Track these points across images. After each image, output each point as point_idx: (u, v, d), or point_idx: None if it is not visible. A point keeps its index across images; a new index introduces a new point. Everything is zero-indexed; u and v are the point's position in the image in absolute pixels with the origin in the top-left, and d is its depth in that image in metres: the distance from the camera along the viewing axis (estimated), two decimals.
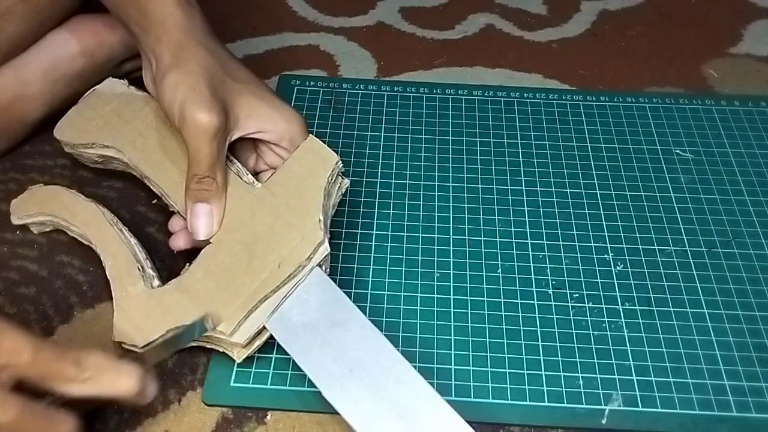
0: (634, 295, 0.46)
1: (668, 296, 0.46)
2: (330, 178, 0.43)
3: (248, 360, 0.42)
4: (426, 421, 0.37)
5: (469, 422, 0.40)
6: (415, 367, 0.42)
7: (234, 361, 0.41)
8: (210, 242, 0.42)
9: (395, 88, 0.60)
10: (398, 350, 0.39)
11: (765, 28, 0.68)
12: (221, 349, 0.41)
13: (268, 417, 0.40)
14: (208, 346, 0.41)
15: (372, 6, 0.70)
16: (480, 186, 0.52)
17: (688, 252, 0.48)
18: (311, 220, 0.42)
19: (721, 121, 0.58)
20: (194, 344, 0.41)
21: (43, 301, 0.45)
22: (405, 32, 0.67)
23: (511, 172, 0.53)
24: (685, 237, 0.49)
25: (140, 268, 0.43)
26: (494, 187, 0.52)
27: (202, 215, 0.42)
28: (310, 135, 0.45)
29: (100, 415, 0.40)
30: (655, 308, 0.45)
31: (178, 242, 0.44)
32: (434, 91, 0.60)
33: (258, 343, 0.40)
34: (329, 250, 0.42)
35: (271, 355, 0.42)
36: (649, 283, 0.46)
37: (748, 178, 0.53)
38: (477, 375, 0.42)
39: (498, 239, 0.48)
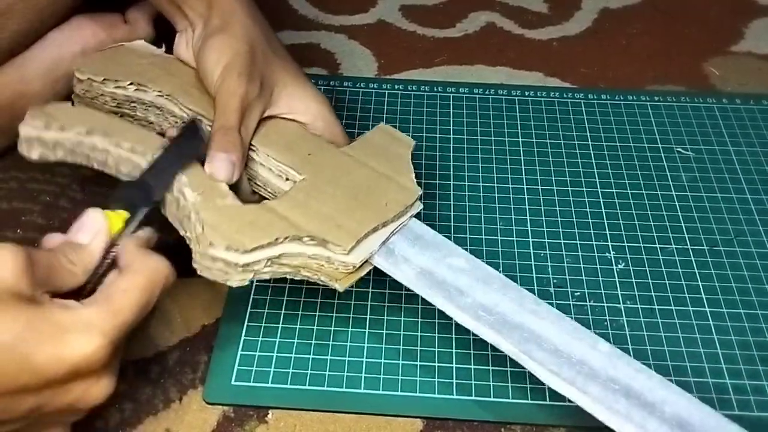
0: (636, 293, 0.46)
1: (670, 294, 0.46)
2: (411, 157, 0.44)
3: (249, 358, 0.42)
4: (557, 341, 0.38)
5: (471, 421, 0.40)
6: (415, 366, 0.42)
7: (235, 359, 0.41)
8: (303, 179, 0.41)
9: (396, 87, 0.60)
10: (398, 347, 0.39)
11: (766, 26, 0.68)
12: (321, 279, 0.39)
13: (270, 415, 0.40)
14: (302, 277, 0.39)
15: (373, 4, 0.70)
16: (481, 184, 0.52)
17: (690, 250, 0.48)
18: (406, 176, 0.43)
19: (722, 119, 0.58)
20: (289, 275, 0.39)
21: None
22: (406, 30, 0.67)
23: (512, 170, 0.53)
24: (686, 235, 0.49)
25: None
26: (495, 185, 0.52)
27: (224, 161, 0.41)
28: (381, 123, 0.47)
29: (101, 414, 0.40)
30: (656, 306, 0.45)
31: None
32: (435, 90, 0.60)
33: (357, 276, 0.39)
34: (422, 206, 0.42)
35: (272, 354, 0.42)
36: (650, 281, 0.46)
37: (749, 176, 0.53)
38: (478, 373, 0.42)
39: (499, 237, 0.48)
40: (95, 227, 0.35)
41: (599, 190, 0.52)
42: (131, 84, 0.45)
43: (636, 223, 0.50)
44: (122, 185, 0.39)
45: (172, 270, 0.35)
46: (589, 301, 0.45)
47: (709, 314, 0.45)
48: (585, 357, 0.37)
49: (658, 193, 0.52)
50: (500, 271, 0.46)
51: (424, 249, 0.41)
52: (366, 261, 0.40)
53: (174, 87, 0.45)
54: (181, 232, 0.40)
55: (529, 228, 0.49)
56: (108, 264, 0.35)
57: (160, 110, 0.46)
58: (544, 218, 0.50)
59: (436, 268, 0.40)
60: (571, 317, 0.44)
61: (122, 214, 0.37)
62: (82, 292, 0.34)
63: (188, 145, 0.41)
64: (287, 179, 0.42)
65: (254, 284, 0.45)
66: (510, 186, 0.52)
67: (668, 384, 0.36)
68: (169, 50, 0.49)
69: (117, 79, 0.46)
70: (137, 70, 0.47)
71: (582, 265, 0.47)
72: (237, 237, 0.37)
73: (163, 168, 0.39)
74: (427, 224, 0.48)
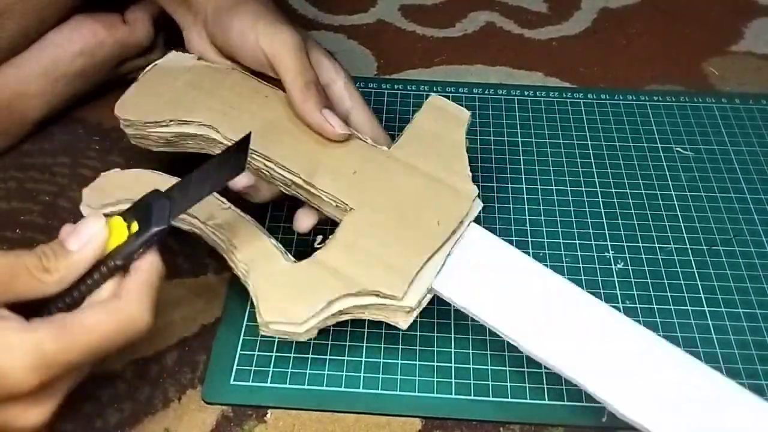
0: (635, 292, 0.46)
1: (668, 294, 0.45)
2: (466, 135, 0.43)
3: (248, 358, 0.42)
4: (647, 361, 0.36)
5: (469, 420, 0.40)
6: (414, 366, 0.42)
7: (234, 359, 0.41)
8: (351, 209, 0.40)
9: (395, 86, 0.60)
10: (397, 346, 0.39)
11: (766, 25, 0.68)
12: (383, 318, 0.38)
13: (268, 415, 0.40)
14: (367, 317, 0.38)
15: (372, 4, 0.70)
16: (481, 184, 0.51)
17: (689, 250, 0.48)
18: (459, 174, 0.41)
19: (721, 119, 0.57)
20: (349, 316, 0.38)
21: None
22: (405, 30, 0.67)
23: (511, 170, 0.53)
24: (685, 235, 0.49)
25: (274, 245, 0.39)
26: (494, 185, 0.52)
27: (332, 116, 0.41)
28: (433, 94, 0.45)
29: (101, 414, 0.40)
30: (655, 306, 0.45)
31: (303, 222, 0.43)
32: (434, 89, 0.60)
33: (419, 309, 0.38)
34: (482, 205, 0.41)
35: (271, 354, 0.42)
36: (649, 280, 0.46)
37: (748, 176, 0.53)
38: (477, 373, 0.42)
39: (499, 237, 0.48)
40: (88, 234, 0.33)
41: (598, 189, 0.52)
42: (171, 121, 0.43)
43: (635, 222, 0.50)
44: (147, 195, 0.35)
45: (149, 324, 0.32)
46: None
47: (707, 314, 0.45)
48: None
49: (658, 192, 0.52)
50: None
51: (487, 265, 0.39)
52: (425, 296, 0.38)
53: (213, 113, 0.43)
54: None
55: (528, 228, 0.49)
56: (103, 275, 0.33)
57: (205, 139, 0.44)
58: (543, 218, 0.50)
59: (504, 289, 0.38)
60: None
61: (132, 225, 0.33)
62: (65, 302, 0.33)
63: (229, 164, 0.36)
64: (336, 205, 0.41)
65: None
66: (509, 186, 0.52)
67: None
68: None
69: (156, 120, 0.43)
70: (174, 96, 0.44)
71: (581, 265, 0.47)
72: (290, 309, 0.36)
73: (193, 186, 0.35)
74: None
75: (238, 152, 0.35)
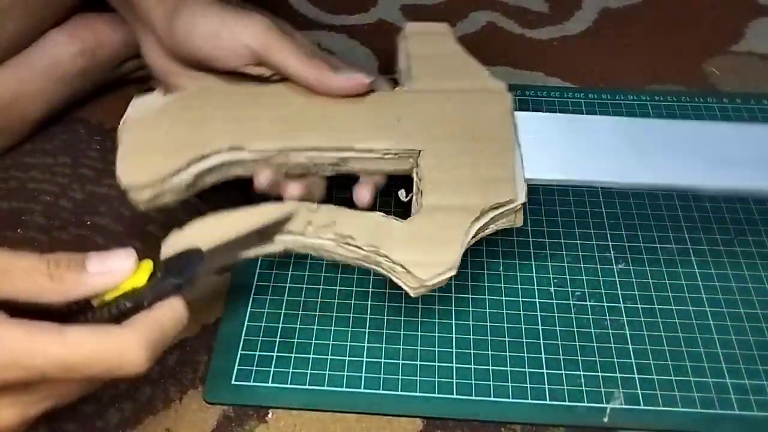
0: (636, 293, 0.45)
1: (670, 294, 0.45)
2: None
3: (249, 358, 0.42)
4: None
5: (470, 421, 0.40)
6: (415, 366, 0.42)
7: (235, 359, 0.41)
8: (420, 151, 0.40)
9: (395, 86, 0.60)
10: (398, 346, 0.39)
11: (766, 26, 0.68)
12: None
13: (270, 415, 0.40)
14: (489, 234, 0.40)
15: (373, 3, 0.70)
16: None
17: (690, 250, 0.48)
18: (481, 76, 0.43)
19: (722, 119, 0.57)
20: (476, 239, 0.39)
21: None
22: None
23: None
24: (687, 234, 0.49)
25: (378, 214, 0.39)
26: None
27: (349, 71, 0.41)
28: (408, 26, 0.47)
29: (102, 414, 0.40)
30: (656, 306, 0.45)
31: (364, 196, 0.42)
32: None
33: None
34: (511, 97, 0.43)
35: (272, 354, 0.42)
36: (650, 281, 0.46)
37: None
38: (478, 373, 0.42)
39: (499, 237, 0.48)
40: (113, 266, 0.31)
41: (599, 189, 0.52)
42: (190, 163, 0.39)
43: (636, 222, 0.49)
44: (186, 250, 0.34)
45: (141, 367, 0.30)
46: (589, 301, 0.45)
47: (709, 314, 0.44)
48: None
49: (659, 192, 0.52)
50: (500, 271, 0.46)
51: (554, 138, 0.41)
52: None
53: (227, 135, 0.40)
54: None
55: (529, 228, 0.49)
56: (110, 312, 0.31)
57: (229, 165, 0.40)
58: (543, 218, 0.50)
59: (586, 148, 0.41)
60: (571, 317, 0.44)
61: (156, 273, 0.32)
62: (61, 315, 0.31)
63: (266, 235, 0.37)
64: (400, 157, 0.41)
65: (254, 284, 0.45)
66: None
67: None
68: None
69: (176, 169, 0.39)
70: (174, 140, 0.40)
71: (582, 265, 0.47)
72: (444, 258, 0.37)
73: (232, 246, 0.35)
74: None
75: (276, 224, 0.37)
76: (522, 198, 0.39)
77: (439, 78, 0.42)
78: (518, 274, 0.46)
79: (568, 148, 0.41)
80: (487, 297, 0.45)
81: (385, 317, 0.44)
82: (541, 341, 0.43)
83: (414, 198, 0.40)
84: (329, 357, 0.42)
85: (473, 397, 0.41)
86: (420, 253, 0.37)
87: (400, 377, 0.41)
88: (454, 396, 0.41)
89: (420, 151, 0.40)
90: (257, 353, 0.42)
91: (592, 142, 0.41)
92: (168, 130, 0.40)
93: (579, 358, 0.42)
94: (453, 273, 0.37)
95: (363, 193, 0.43)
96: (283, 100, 0.42)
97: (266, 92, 0.43)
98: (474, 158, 0.40)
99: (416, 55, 0.43)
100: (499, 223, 0.40)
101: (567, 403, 0.40)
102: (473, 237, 0.38)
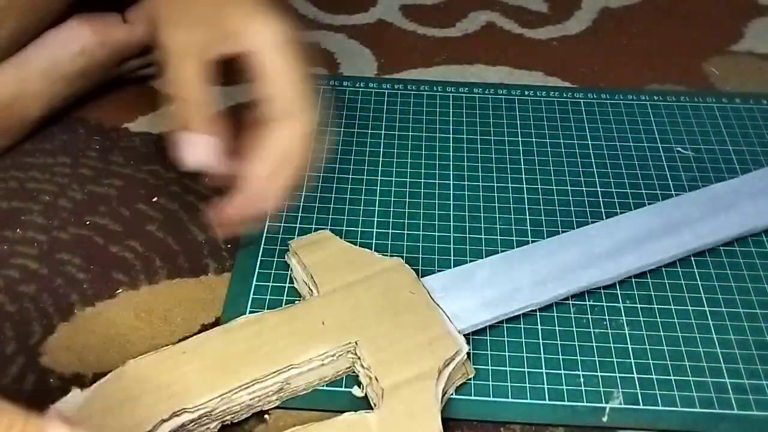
0: (635, 292, 0.45)
1: (669, 294, 0.45)
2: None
3: None
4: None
5: (470, 420, 0.40)
6: None
7: None
8: (356, 342, 0.40)
9: (396, 86, 0.60)
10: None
11: (766, 25, 0.68)
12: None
13: (269, 415, 0.40)
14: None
15: (373, 3, 0.70)
16: (481, 184, 0.52)
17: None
18: (372, 255, 0.45)
19: (722, 119, 0.57)
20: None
21: (44, 299, 0.45)
22: (405, 30, 0.67)
23: (512, 170, 0.53)
24: None
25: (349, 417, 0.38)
26: (495, 185, 0.52)
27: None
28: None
29: None
30: (656, 306, 0.45)
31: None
32: (435, 89, 0.60)
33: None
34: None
35: None
36: (650, 280, 0.46)
37: None
38: (478, 373, 0.42)
39: (499, 237, 0.48)
40: None
41: (599, 189, 0.52)
42: (162, 420, 0.36)
43: None
44: None
45: None
46: (589, 301, 0.45)
47: (708, 314, 0.44)
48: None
49: (658, 192, 0.52)
50: None
51: (465, 286, 0.44)
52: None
53: (166, 399, 0.37)
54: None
55: (528, 228, 0.49)
56: None
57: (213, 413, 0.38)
58: (543, 218, 0.50)
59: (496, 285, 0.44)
60: (571, 317, 0.44)
61: None
62: None
63: None
64: (340, 355, 0.40)
65: (254, 284, 0.45)
66: (510, 185, 0.52)
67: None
68: None
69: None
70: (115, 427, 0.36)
71: None
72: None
73: None
74: (428, 223, 0.49)
75: None
76: (466, 347, 0.40)
77: (342, 275, 0.43)
78: None
79: (481, 292, 0.43)
80: None
81: None
82: (541, 341, 0.43)
83: (369, 388, 0.40)
84: None
85: (473, 397, 0.41)
86: None
87: None
88: (454, 396, 0.40)
89: (356, 341, 0.40)
90: None
91: (498, 279, 0.44)
92: (136, 388, 0.38)
93: (578, 357, 0.42)
94: None
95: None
96: (205, 347, 0.40)
97: (186, 347, 0.40)
98: (407, 330, 0.40)
99: (311, 263, 0.44)
100: (456, 380, 0.40)
101: (566, 403, 0.40)
102: (441, 400, 0.39)
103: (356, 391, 0.41)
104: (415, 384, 0.38)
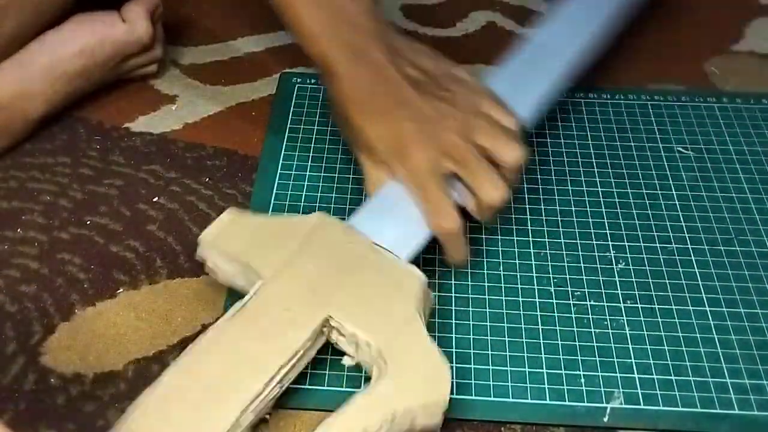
0: (636, 292, 0.46)
1: (670, 294, 0.45)
2: None
3: None
4: None
5: (470, 420, 0.40)
6: None
7: None
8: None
9: None
10: None
11: (767, 25, 0.68)
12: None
13: (269, 415, 0.40)
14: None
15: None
16: None
17: (690, 250, 0.48)
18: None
19: (723, 118, 0.57)
20: None
21: (44, 299, 0.45)
22: (406, 30, 0.67)
23: None
24: (687, 234, 0.49)
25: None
26: None
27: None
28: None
29: (102, 413, 0.40)
30: (656, 306, 0.45)
31: None
32: None
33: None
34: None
35: None
36: (650, 280, 0.46)
37: (750, 176, 0.53)
38: (478, 373, 0.42)
39: (499, 237, 0.48)
40: None
41: (599, 189, 0.52)
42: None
43: (636, 222, 0.49)
44: None
45: None
46: (589, 301, 0.45)
47: (709, 314, 0.44)
48: None
49: (659, 192, 0.52)
50: (500, 271, 0.46)
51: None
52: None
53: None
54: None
55: (529, 227, 0.49)
56: None
57: None
58: (544, 218, 0.50)
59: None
60: (571, 317, 0.44)
61: None
62: None
63: None
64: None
65: None
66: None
67: None
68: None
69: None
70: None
71: (582, 265, 0.47)
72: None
73: None
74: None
75: None
76: (423, 275, 0.40)
77: (275, 250, 0.40)
78: (518, 273, 0.46)
79: (404, 213, 0.43)
80: (487, 297, 0.45)
81: None
82: (541, 341, 0.43)
83: (359, 353, 0.39)
84: (329, 357, 0.42)
85: (473, 397, 0.41)
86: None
87: None
88: (455, 396, 0.40)
89: (329, 315, 0.39)
90: None
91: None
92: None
93: (579, 357, 0.42)
94: None
95: None
96: (182, 383, 0.37)
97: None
98: (367, 283, 0.40)
99: (240, 250, 0.41)
100: (427, 309, 0.41)
101: (567, 403, 0.40)
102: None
103: (347, 360, 0.40)
104: (406, 333, 0.38)
